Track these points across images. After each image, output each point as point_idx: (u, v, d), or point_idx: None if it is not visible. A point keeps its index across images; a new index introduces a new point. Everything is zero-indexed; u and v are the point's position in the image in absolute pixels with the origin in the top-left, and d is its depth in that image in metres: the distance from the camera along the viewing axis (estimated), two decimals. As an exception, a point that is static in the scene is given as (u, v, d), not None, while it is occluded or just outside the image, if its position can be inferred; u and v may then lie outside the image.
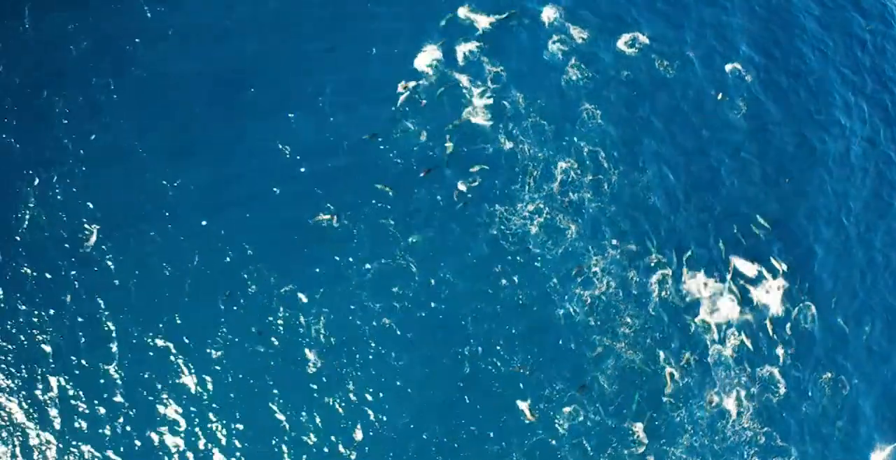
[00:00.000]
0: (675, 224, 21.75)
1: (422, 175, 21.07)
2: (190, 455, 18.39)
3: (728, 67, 23.96)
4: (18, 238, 19.65)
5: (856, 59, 25.35)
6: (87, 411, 18.49)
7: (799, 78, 24.54)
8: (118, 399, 18.61)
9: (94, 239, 19.76)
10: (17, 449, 18.21)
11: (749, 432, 20.13)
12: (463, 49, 22.73)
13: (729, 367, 20.55)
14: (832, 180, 23.34)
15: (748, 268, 21.46)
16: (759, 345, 20.88)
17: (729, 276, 21.30)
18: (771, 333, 21.02)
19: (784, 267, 21.58)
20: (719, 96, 23.41)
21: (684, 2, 24.82)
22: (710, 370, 20.44)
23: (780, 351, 20.90)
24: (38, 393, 18.59)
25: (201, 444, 18.46)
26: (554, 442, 19.27)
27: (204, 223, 20.22)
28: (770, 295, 21.31)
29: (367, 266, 20.16)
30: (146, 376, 18.85)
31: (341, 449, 18.70)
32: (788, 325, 21.21)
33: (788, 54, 24.78)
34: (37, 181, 20.16)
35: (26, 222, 19.77)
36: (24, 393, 18.56)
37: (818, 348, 21.20)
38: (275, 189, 20.72)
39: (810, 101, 24.32)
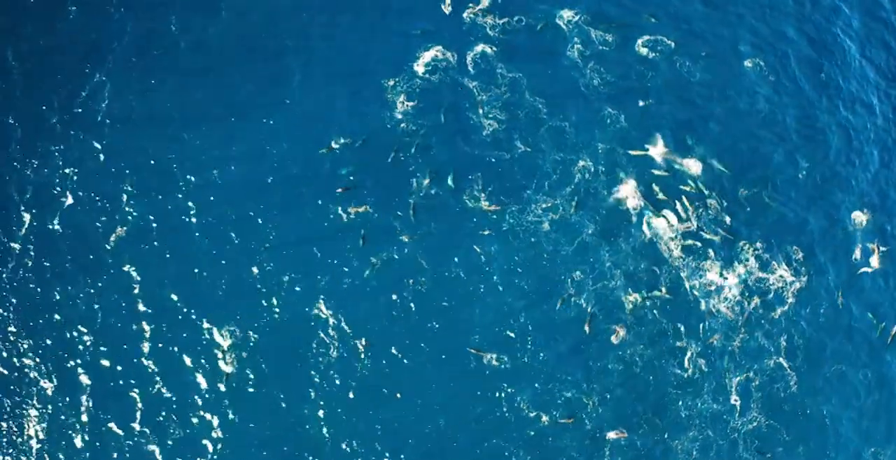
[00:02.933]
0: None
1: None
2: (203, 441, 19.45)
3: (748, 64, 23.86)
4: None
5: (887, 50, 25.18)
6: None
7: (822, 74, 24.31)
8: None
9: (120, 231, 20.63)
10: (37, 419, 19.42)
11: (753, 424, 20.34)
12: (477, 52, 22.87)
13: (737, 359, 20.80)
14: (856, 173, 23.29)
15: (761, 263, 21.59)
16: (769, 336, 21.07)
17: (742, 270, 21.45)
18: (781, 326, 21.17)
19: (798, 263, 21.68)
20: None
21: (705, 3, 24.70)
22: (719, 362, 20.72)
23: (789, 343, 21.06)
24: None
25: (214, 431, 19.47)
26: (557, 434, 19.81)
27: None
28: (782, 288, 21.45)
29: (374, 260, 20.69)
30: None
31: (344, 442, 19.52)
32: (799, 318, 21.36)
33: (812, 51, 24.55)
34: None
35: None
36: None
37: (828, 341, 21.33)
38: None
39: (838, 98, 24.12)
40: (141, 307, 20.05)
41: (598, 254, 21.35)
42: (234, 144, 21.36)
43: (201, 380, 19.71)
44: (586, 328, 20.50)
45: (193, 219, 20.76)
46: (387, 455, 19.54)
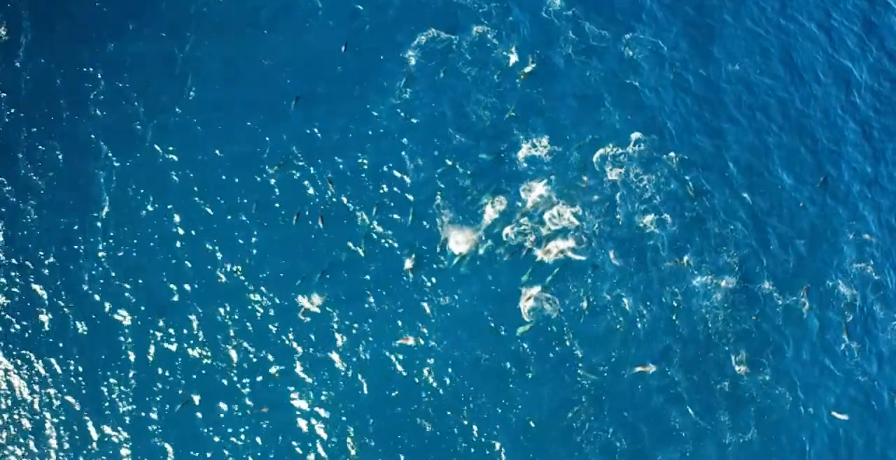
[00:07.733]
0: (705, 221, 21.97)
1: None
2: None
3: (749, 68, 24.05)
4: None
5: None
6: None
7: (829, 73, 24.72)
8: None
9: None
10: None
11: (744, 439, 20.28)
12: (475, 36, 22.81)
13: (743, 374, 20.64)
14: (862, 191, 23.50)
15: (751, 273, 21.57)
16: (759, 349, 20.96)
17: (731, 280, 21.28)
18: (770, 338, 21.08)
19: (789, 275, 21.76)
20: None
21: (708, 2, 24.93)
22: (724, 381, 20.55)
23: (778, 357, 20.99)
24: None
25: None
26: (545, 434, 19.62)
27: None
28: (770, 301, 21.45)
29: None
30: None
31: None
32: (790, 332, 21.31)
33: (818, 55, 24.93)
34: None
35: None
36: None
37: (821, 358, 21.39)
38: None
39: (839, 99, 24.45)
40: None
41: (591, 254, 21.19)
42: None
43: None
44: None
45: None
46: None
